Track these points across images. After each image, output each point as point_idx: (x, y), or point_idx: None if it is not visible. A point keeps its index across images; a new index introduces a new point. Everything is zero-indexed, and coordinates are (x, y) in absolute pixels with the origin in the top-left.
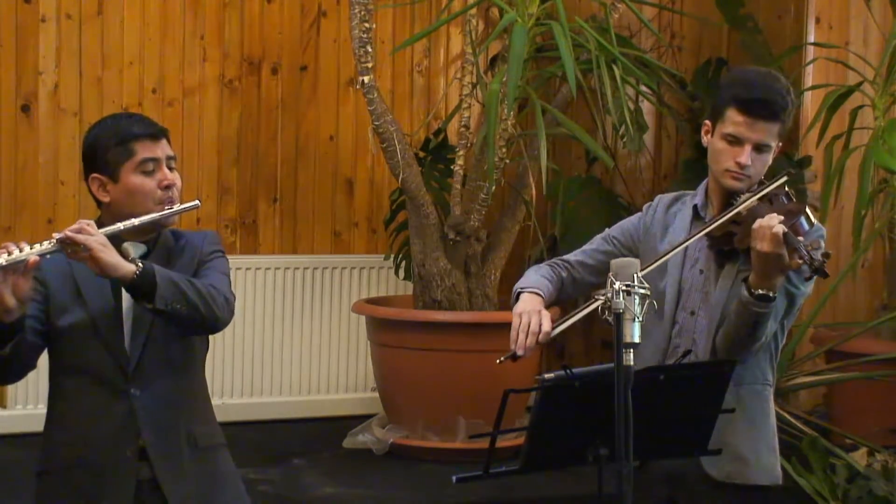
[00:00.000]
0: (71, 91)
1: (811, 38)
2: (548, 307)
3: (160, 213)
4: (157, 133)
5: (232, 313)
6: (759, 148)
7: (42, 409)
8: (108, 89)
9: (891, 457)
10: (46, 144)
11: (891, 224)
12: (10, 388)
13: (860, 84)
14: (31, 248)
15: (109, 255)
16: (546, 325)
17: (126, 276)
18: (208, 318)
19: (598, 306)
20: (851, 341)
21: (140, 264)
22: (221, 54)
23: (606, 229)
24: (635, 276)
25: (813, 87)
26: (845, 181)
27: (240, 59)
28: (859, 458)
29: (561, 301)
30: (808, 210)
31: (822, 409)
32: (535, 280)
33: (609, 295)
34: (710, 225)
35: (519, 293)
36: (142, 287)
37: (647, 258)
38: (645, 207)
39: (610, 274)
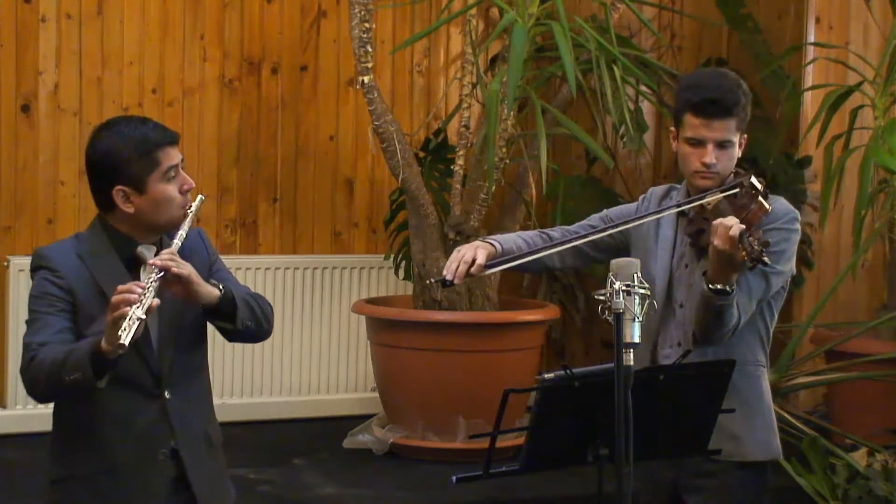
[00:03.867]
0: (71, 91)
1: (811, 38)
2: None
3: (188, 219)
4: (174, 139)
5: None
6: (722, 145)
7: (42, 409)
8: (108, 89)
9: (891, 457)
10: (46, 144)
11: (891, 224)
12: (11, 388)
13: (860, 84)
14: (144, 292)
15: (203, 286)
16: (480, 259)
17: (212, 301)
18: (266, 330)
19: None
20: (851, 341)
21: (221, 289)
22: (221, 54)
23: (605, 210)
24: (635, 276)
25: (813, 87)
26: (845, 181)
27: (240, 59)
28: (859, 458)
29: (548, 269)
30: (760, 199)
31: (822, 409)
32: (504, 236)
33: (609, 295)
34: (667, 210)
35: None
36: (224, 310)
37: (637, 247)
38: (640, 198)
39: (610, 274)
